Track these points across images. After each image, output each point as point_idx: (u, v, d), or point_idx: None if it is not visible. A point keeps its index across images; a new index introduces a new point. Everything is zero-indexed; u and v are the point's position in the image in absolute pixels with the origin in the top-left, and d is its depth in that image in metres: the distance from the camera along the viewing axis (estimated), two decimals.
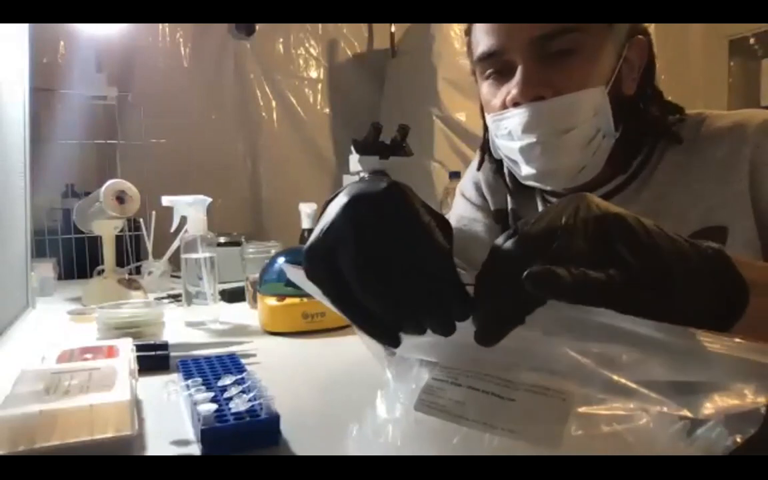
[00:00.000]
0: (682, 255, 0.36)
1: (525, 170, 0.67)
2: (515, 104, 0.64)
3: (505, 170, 0.80)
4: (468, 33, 0.71)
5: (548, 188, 0.73)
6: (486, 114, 0.71)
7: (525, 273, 0.32)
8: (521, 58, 0.63)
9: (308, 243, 0.38)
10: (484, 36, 0.66)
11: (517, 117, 0.64)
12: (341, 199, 0.38)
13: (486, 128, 0.75)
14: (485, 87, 0.69)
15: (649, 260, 0.34)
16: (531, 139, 0.64)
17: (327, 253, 0.37)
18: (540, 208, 0.78)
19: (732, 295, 0.37)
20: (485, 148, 0.78)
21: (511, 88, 0.64)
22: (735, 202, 0.60)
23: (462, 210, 0.88)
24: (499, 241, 0.36)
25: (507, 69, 0.65)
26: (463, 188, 0.89)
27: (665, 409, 0.34)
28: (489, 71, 0.67)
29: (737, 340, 0.32)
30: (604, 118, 0.64)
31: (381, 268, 0.35)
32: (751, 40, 2.81)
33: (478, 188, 0.86)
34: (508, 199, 0.82)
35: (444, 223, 0.38)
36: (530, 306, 0.34)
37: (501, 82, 0.66)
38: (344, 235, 0.37)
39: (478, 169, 0.85)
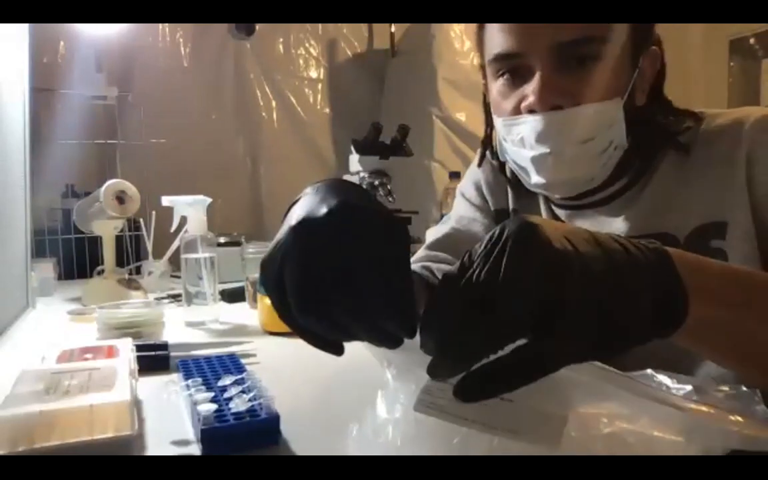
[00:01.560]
0: (618, 270, 0.35)
1: (534, 179, 0.66)
2: (530, 111, 0.62)
3: (508, 170, 0.79)
4: (480, 28, 0.69)
5: (556, 196, 0.72)
6: (495, 115, 0.69)
7: (453, 390, 0.34)
8: (540, 64, 0.61)
9: (265, 254, 0.39)
10: (501, 35, 0.64)
11: (531, 124, 0.62)
12: (294, 215, 0.39)
13: (488, 123, 0.74)
14: (497, 87, 0.67)
15: (582, 292, 0.33)
16: (544, 149, 0.63)
17: (275, 268, 0.38)
18: (543, 210, 0.77)
19: (670, 304, 0.37)
20: (487, 143, 0.77)
21: (527, 94, 0.62)
22: (733, 197, 0.60)
23: (462, 210, 0.87)
24: (449, 271, 0.35)
25: (523, 72, 0.63)
26: (463, 188, 0.89)
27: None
28: (503, 72, 0.65)
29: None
30: (618, 130, 0.63)
31: (321, 290, 0.36)
32: (751, 40, 2.81)
33: (478, 188, 0.86)
34: (510, 198, 0.82)
35: (399, 232, 0.37)
36: (474, 352, 0.34)
37: (515, 85, 0.64)
38: (289, 254, 0.37)
39: (479, 165, 0.84)
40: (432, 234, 0.90)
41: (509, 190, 0.81)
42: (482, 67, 0.71)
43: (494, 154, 0.76)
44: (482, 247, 0.35)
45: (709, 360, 0.46)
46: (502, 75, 0.65)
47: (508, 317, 0.33)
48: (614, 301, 0.34)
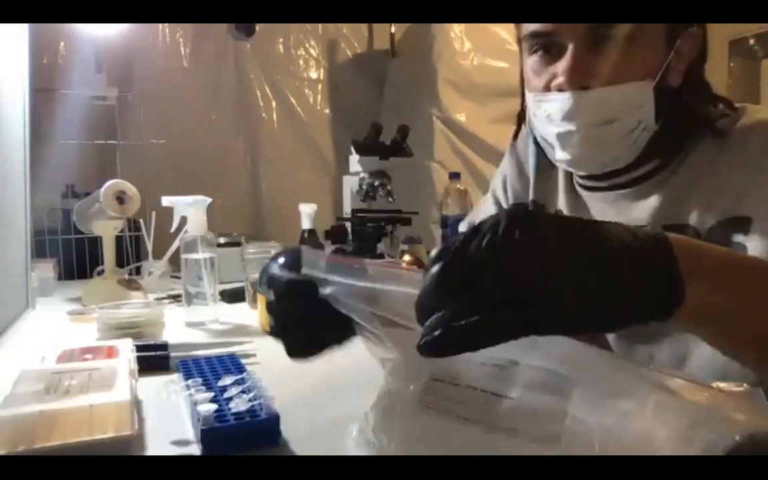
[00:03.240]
0: (610, 257, 0.36)
1: (559, 155, 0.67)
2: (560, 90, 0.63)
3: (532, 148, 0.80)
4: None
5: (581, 173, 0.72)
6: (527, 90, 0.70)
7: (418, 345, 0.35)
8: (573, 42, 0.61)
9: (281, 282, 0.54)
10: None
11: (559, 103, 0.63)
12: (283, 277, 0.55)
13: (524, 98, 0.74)
14: (530, 63, 0.67)
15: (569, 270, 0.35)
16: (570, 126, 0.63)
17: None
18: (561, 197, 0.77)
19: (667, 289, 0.38)
20: (522, 116, 0.77)
21: (557, 72, 0.63)
22: (759, 193, 0.59)
23: (487, 209, 0.89)
24: (432, 255, 0.37)
25: (556, 48, 0.63)
26: (492, 185, 0.91)
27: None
28: (536, 48, 0.66)
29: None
30: (647, 112, 0.63)
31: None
32: (751, 41, 2.81)
33: (503, 184, 0.87)
34: (531, 188, 0.82)
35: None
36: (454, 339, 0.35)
37: (548, 61, 0.65)
38: (279, 298, 0.54)
39: (514, 138, 0.84)
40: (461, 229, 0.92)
41: (531, 178, 0.82)
42: (519, 40, 0.71)
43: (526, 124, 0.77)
44: (472, 231, 0.36)
45: (708, 344, 0.47)
46: (536, 51, 0.66)
47: (487, 300, 0.34)
48: (602, 288, 0.35)
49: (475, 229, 0.36)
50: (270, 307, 0.54)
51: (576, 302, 0.35)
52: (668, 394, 0.35)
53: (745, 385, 0.39)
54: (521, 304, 0.34)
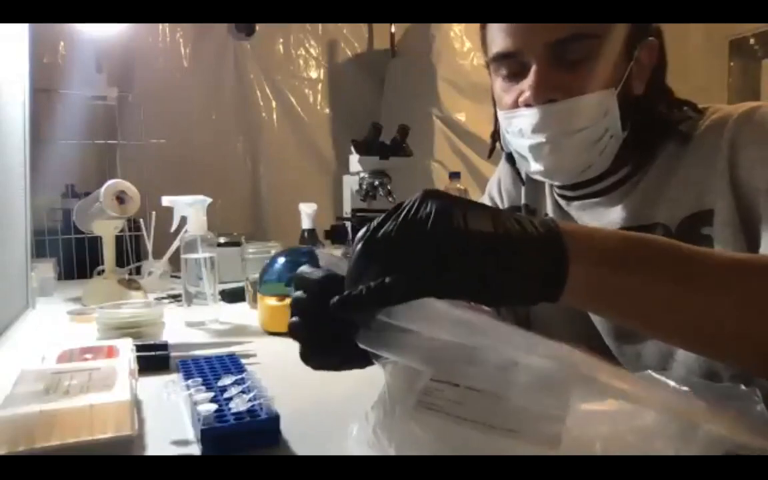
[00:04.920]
0: (503, 242, 0.40)
1: (533, 166, 0.70)
2: (527, 105, 0.66)
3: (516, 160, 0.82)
4: (483, 28, 0.72)
5: (556, 183, 0.75)
6: (498, 109, 0.73)
7: (331, 303, 0.42)
8: (536, 61, 0.64)
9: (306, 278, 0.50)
10: (499, 35, 0.67)
11: (528, 118, 0.66)
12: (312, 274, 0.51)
13: (497, 118, 0.77)
14: (498, 83, 0.71)
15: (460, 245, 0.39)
16: (540, 138, 0.66)
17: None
18: (548, 202, 0.80)
19: (553, 268, 0.41)
20: (496, 137, 0.80)
21: (524, 89, 0.66)
22: (716, 184, 0.63)
23: None
24: (358, 236, 0.42)
25: (521, 69, 0.66)
26: (488, 187, 0.93)
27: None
28: (503, 72, 0.69)
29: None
30: (612, 119, 0.66)
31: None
32: (751, 40, 2.81)
33: (498, 187, 0.90)
34: (522, 194, 0.85)
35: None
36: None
37: (514, 80, 0.68)
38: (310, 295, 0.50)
39: (488, 157, 0.87)
40: None
41: (521, 185, 0.85)
42: (488, 65, 0.74)
43: (502, 146, 0.80)
44: (394, 209, 0.41)
45: (617, 322, 0.54)
46: (503, 73, 0.69)
47: (395, 266, 0.39)
48: (493, 269, 0.40)
49: (396, 207, 0.41)
50: (297, 307, 0.50)
51: (466, 274, 0.39)
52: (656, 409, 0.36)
53: (741, 386, 0.39)
54: (418, 272, 0.39)
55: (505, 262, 0.40)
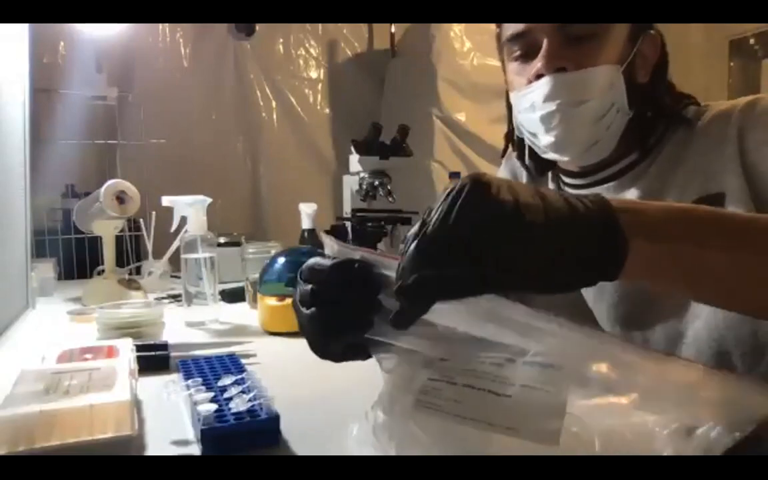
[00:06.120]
0: (557, 221, 0.39)
1: (544, 140, 0.72)
2: (538, 77, 0.69)
3: (526, 156, 0.83)
4: (499, 26, 0.76)
5: (566, 159, 0.75)
6: (511, 93, 0.76)
7: (395, 288, 0.39)
8: (546, 36, 0.68)
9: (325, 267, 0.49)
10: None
11: (539, 88, 0.69)
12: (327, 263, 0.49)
13: (511, 120, 0.80)
14: (512, 67, 0.74)
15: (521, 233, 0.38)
16: (551, 106, 0.69)
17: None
18: None
19: (611, 247, 0.40)
20: (509, 137, 0.83)
21: (536, 63, 0.69)
22: (726, 167, 0.66)
23: None
24: (409, 234, 0.41)
25: (533, 50, 0.70)
26: None
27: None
28: (517, 53, 0.72)
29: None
30: (618, 93, 0.69)
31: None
32: (751, 40, 2.81)
33: None
34: None
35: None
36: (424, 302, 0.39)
37: (527, 60, 0.71)
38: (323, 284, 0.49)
39: (502, 156, 0.89)
40: None
41: (525, 174, 0.86)
42: (500, 52, 0.77)
43: (515, 146, 0.83)
44: (437, 202, 0.40)
45: (665, 293, 0.54)
46: (517, 57, 0.73)
47: (452, 266, 0.38)
48: (551, 250, 0.39)
49: (446, 197, 0.39)
50: (312, 298, 0.48)
51: (524, 263, 0.38)
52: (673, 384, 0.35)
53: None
54: (477, 262, 0.38)
55: (567, 248, 0.39)
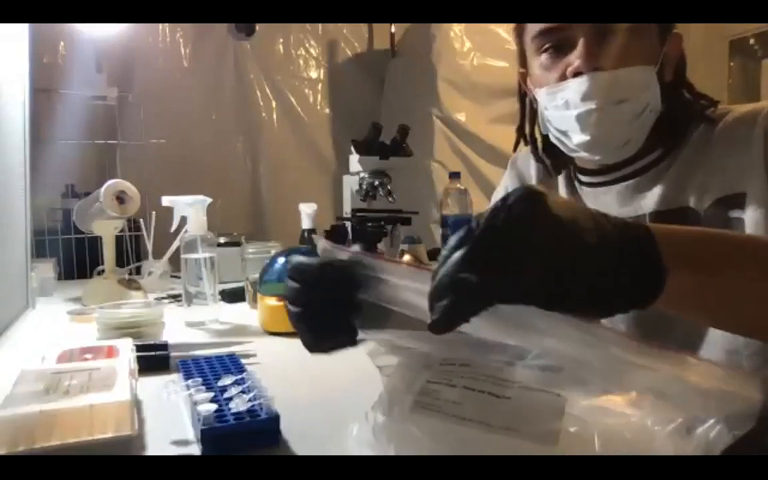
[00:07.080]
0: (608, 245, 0.39)
1: (577, 138, 0.70)
2: (576, 74, 0.67)
3: (540, 151, 0.83)
4: None
5: (597, 158, 0.74)
6: (537, 89, 0.74)
7: (429, 302, 0.37)
8: (583, 32, 0.67)
9: (312, 266, 0.50)
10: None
11: (577, 86, 0.68)
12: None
13: (523, 113, 0.79)
14: (541, 61, 0.72)
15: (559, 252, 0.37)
16: (590, 105, 0.67)
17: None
18: (564, 194, 0.81)
19: (651, 276, 0.40)
20: (521, 130, 0.82)
21: (573, 60, 0.68)
22: (750, 169, 0.65)
23: None
24: (450, 242, 0.39)
25: (566, 44, 0.68)
26: (495, 196, 0.93)
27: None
28: (547, 46, 0.70)
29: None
30: (653, 93, 0.69)
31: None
32: (751, 40, 2.81)
33: (505, 191, 0.90)
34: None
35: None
36: (468, 309, 0.37)
37: (559, 57, 0.70)
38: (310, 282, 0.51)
39: (514, 150, 0.88)
40: None
41: (534, 177, 0.86)
42: (520, 53, 0.76)
43: (527, 140, 0.82)
44: (488, 213, 0.38)
45: (684, 318, 0.52)
46: (546, 50, 0.71)
47: (501, 273, 0.36)
48: (601, 273, 0.38)
49: (500, 205, 0.38)
50: (298, 297, 0.51)
51: (571, 283, 0.37)
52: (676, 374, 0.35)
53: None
54: (527, 274, 0.36)
55: (610, 273, 0.38)
